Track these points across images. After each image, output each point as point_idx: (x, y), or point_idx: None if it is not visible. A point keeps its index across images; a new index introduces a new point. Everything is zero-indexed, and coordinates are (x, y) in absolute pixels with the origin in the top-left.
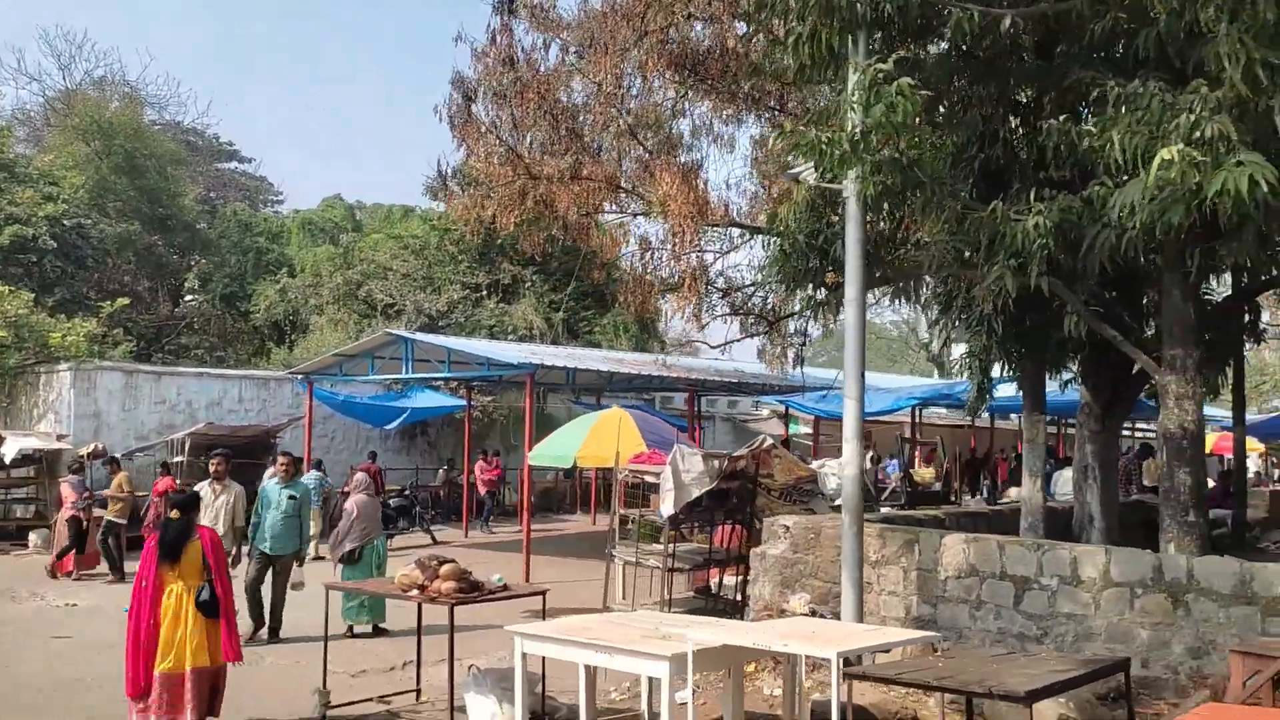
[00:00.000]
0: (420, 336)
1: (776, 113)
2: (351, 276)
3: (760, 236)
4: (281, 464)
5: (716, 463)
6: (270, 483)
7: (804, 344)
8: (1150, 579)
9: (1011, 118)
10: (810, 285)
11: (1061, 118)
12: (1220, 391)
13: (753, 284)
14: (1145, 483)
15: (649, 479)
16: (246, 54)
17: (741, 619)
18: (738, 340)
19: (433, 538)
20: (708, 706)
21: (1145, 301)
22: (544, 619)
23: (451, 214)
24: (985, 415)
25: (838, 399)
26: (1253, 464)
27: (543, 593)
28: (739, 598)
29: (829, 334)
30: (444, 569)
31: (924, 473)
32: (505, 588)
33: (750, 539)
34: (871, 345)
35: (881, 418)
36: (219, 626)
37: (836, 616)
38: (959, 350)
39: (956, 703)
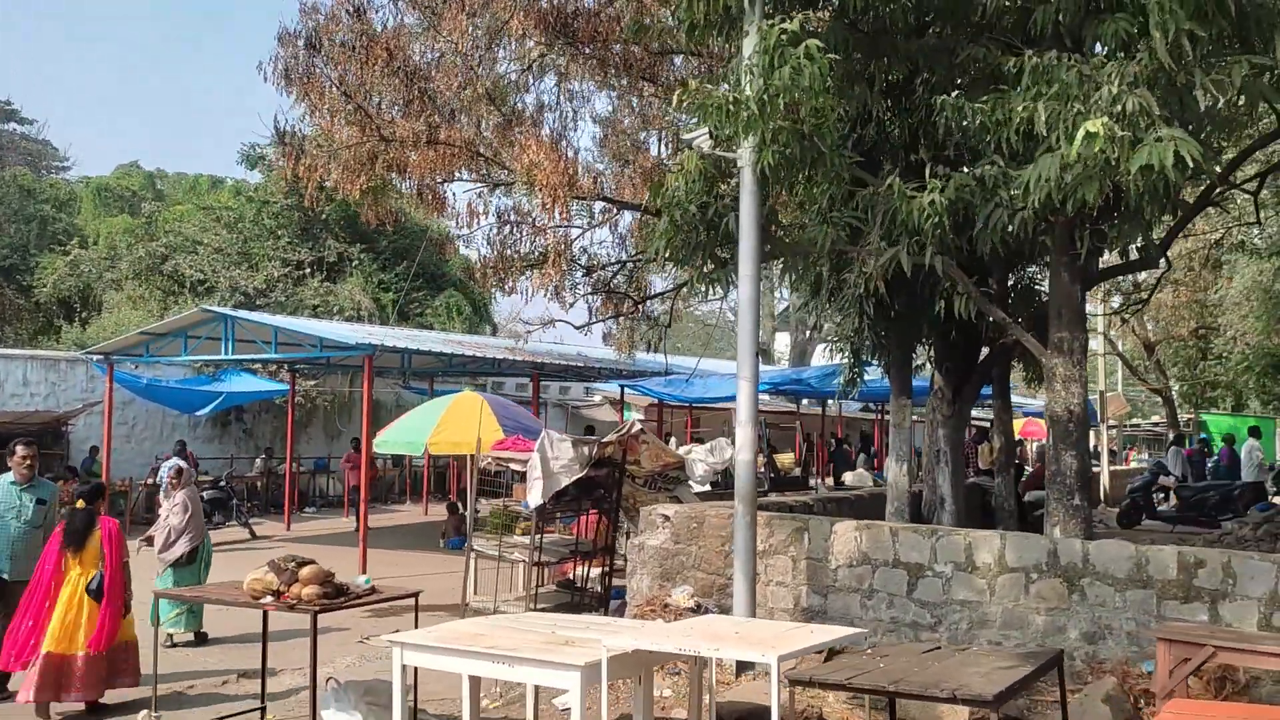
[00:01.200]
0: (243, 314)
1: (646, 83)
2: (155, 249)
3: (627, 213)
4: (21, 457)
5: (586, 449)
6: (2, 482)
7: (668, 325)
8: (1045, 563)
9: (884, 98)
10: (699, 260)
11: (953, 94)
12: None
13: (620, 261)
14: (981, 465)
15: (515, 467)
16: (29, 9)
17: (606, 612)
18: (601, 320)
19: (251, 532)
20: (593, 711)
21: (989, 288)
22: (417, 624)
23: (270, 183)
24: (805, 402)
25: (683, 383)
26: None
27: (415, 594)
28: (599, 589)
29: (678, 318)
30: (304, 571)
31: (784, 459)
32: (373, 590)
33: (614, 529)
34: (691, 334)
35: (714, 405)
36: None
37: (723, 610)
38: (783, 340)
39: (862, 699)
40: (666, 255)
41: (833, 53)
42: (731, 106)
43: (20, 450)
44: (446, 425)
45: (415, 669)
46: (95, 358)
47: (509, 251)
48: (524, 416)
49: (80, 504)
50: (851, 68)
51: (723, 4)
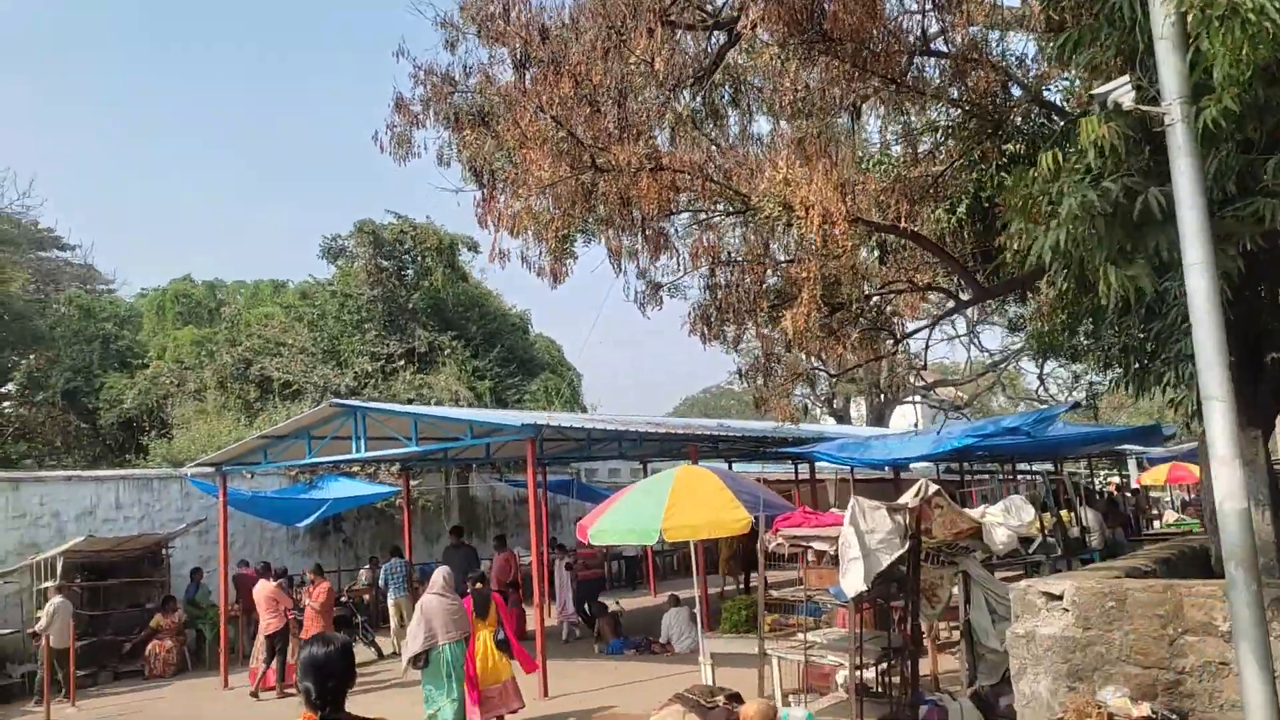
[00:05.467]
0: (376, 405)
1: (892, 85)
2: (240, 354)
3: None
4: None
5: (901, 519)
6: None
7: (924, 366)
8: None
9: None
10: (1104, 256)
11: None
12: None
13: (881, 291)
14: None
15: (818, 546)
16: (57, 128)
17: (916, 717)
18: (868, 362)
19: (379, 651)
20: None
21: None
22: None
23: (351, 275)
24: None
25: (858, 447)
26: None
27: None
28: (878, 690)
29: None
30: (749, 712)
31: (1066, 517)
32: None
33: (916, 616)
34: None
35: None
36: (508, 655)
37: (1181, 715)
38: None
39: None
40: (1053, 254)
41: None
42: (1253, 15)
43: None
44: (678, 506)
45: None
46: (186, 474)
47: (740, 291)
48: (757, 489)
49: (479, 586)
50: None
51: None
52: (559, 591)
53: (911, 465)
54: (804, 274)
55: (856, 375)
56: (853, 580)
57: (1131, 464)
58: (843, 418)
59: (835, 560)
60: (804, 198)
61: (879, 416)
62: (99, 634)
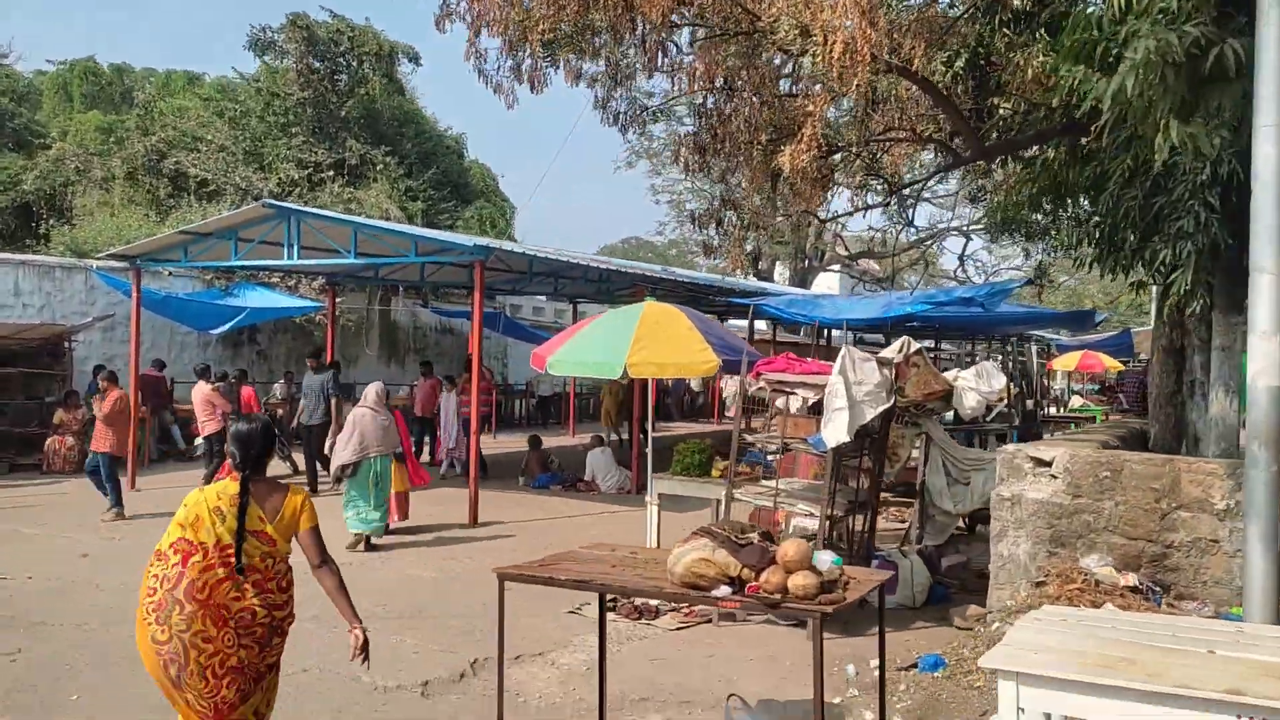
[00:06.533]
0: (313, 211)
1: None
2: (153, 145)
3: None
4: None
5: (887, 373)
6: None
7: (909, 221)
8: None
9: None
10: (1167, 111)
11: None
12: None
13: (878, 137)
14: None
15: (804, 394)
16: None
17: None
18: (868, 208)
19: (294, 466)
20: None
21: None
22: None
23: (280, 74)
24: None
25: (809, 304)
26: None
27: (882, 584)
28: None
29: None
30: (789, 550)
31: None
32: (844, 575)
33: (880, 475)
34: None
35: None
36: (405, 469)
37: (1163, 588)
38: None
39: None
40: (1113, 102)
41: None
42: None
43: None
44: (645, 342)
45: None
46: (92, 266)
47: (740, 121)
48: (726, 334)
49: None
50: None
51: None
52: (444, 424)
53: (832, 332)
54: (809, 108)
55: (785, 238)
56: (835, 430)
57: (1032, 349)
58: (765, 279)
59: (815, 409)
60: (825, 22)
61: (801, 281)
62: None
